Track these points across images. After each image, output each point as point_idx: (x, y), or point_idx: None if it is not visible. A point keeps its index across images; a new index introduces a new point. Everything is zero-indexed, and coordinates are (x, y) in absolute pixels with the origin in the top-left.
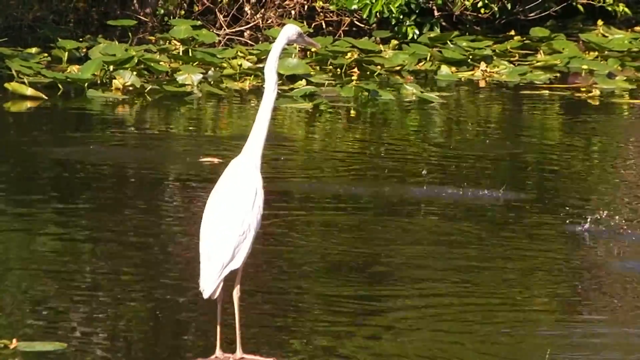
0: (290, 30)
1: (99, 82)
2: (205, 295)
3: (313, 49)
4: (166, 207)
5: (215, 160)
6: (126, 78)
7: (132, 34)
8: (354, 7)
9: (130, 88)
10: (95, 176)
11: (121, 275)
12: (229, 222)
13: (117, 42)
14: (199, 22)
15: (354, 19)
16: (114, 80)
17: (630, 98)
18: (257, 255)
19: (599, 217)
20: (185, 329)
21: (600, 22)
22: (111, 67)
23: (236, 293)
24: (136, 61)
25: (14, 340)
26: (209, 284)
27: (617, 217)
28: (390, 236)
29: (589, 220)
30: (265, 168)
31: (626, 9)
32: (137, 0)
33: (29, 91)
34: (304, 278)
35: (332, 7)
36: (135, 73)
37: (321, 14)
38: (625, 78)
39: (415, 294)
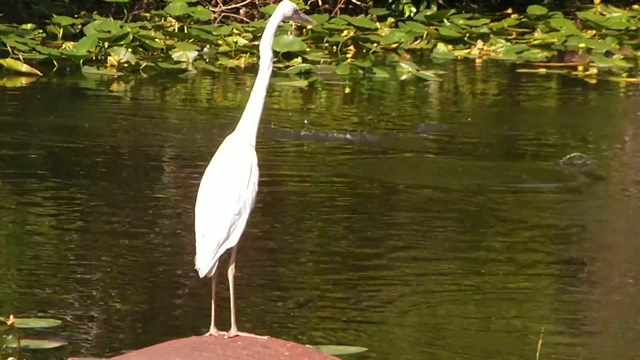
0: (286, 6)
1: (94, 58)
2: (201, 274)
3: (309, 26)
4: (160, 184)
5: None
6: (121, 55)
7: (127, 10)
8: None
9: (125, 65)
10: (90, 153)
11: (116, 252)
12: (224, 200)
13: (112, 19)
14: None
15: None
16: (109, 57)
17: (628, 77)
18: (250, 235)
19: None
20: (180, 306)
21: (597, 1)
22: (106, 44)
23: (231, 271)
24: (131, 38)
25: (11, 317)
26: (205, 262)
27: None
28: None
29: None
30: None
31: None
32: None
33: (24, 67)
34: (298, 261)
35: None
36: (130, 50)
37: None
38: (622, 56)
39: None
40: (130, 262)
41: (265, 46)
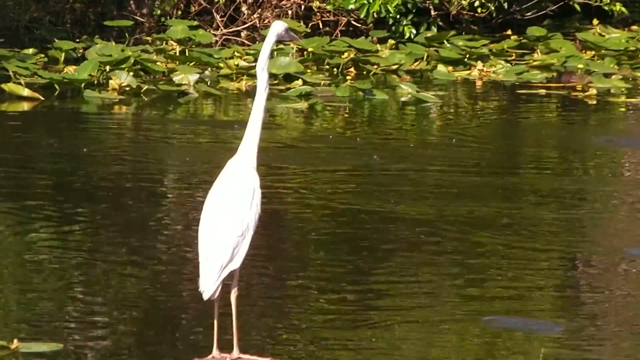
0: (279, 26)
1: (95, 82)
2: (205, 297)
3: (294, 43)
4: (163, 208)
5: None
6: (122, 78)
7: (128, 34)
8: (351, 7)
9: (127, 88)
10: (91, 177)
11: (118, 276)
12: (228, 223)
13: (113, 43)
14: (196, 23)
15: (351, 18)
16: (110, 81)
17: (627, 97)
18: (253, 257)
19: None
20: (182, 329)
21: (596, 22)
22: (107, 68)
23: (234, 293)
24: (133, 61)
25: (15, 341)
26: (209, 285)
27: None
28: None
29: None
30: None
31: (623, 8)
32: (133, 1)
33: (26, 92)
34: (301, 284)
35: (329, 7)
36: (131, 73)
37: (318, 14)
38: (621, 77)
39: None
40: (132, 285)
41: (262, 67)
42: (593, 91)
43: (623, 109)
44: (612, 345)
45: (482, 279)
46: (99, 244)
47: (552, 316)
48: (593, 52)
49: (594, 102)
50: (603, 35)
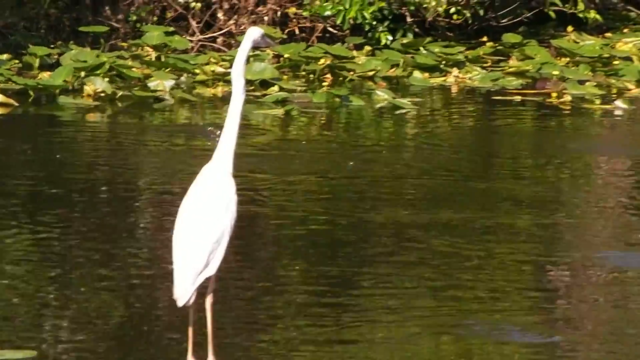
0: (255, 32)
1: (70, 88)
2: (180, 304)
3: (270, 49)
4: (138, 214)
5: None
6: (97, 84)
7: (104, 40)
8: (328, 13)
9: (102, 94)
10: (66, 183)
11: (92, 283)
12: (203, 229)
13: (89, 49)
14: (172, 29)
15: (328, 25)
16: (85, 87)
17: (601, 103)
18: (229, 264)
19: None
20: (157, 335)
21: (570, 29)
22: (82, 74)
23: (209, 300)
24: (108, 67)
25: None
26: (183, 291)
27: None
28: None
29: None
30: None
31: (597, 16)
32: (109, 7)
33: (0, 98)
34: (278, 291)
35: (305, 14)
36: (107, 79)
37: (294, 20)
38: (595, 84)
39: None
40: (107, 292)
41: (238, 73)
42: (567, 98)
43: (597, 115)
44: (587, 352)
45: (458, 285)
46: (72, 250)
47: (527, 323)
48: (568, 59)
49: (569, 108)
50: (577, 42)
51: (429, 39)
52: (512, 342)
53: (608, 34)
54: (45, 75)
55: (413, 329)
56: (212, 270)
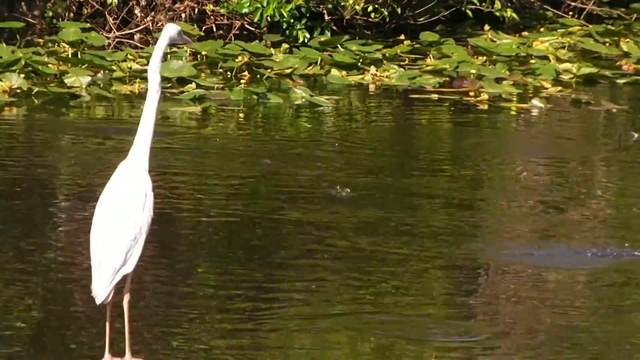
0: (171, 29)
1: None
2: (98, 301)
3: (187, 46)
4: (54, 211)
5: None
6: (13, 80)
7: (20, 36)
8: (245, 10)
9: (18, 90)
10: None
11: (8, 281)
12: (120, 227)
13: (4, 45)
14: (88, 25)
15: (245, 22)
16: (0, 83)
17: (518, 102)
18: (145, 261)
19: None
20: (74, 333)
21: (487, 27)
22: None
23: (126, 298)
24: (24, 63)
25: None
26: (101, 289)
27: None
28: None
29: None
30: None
31: (514, 15)
32: (25, 2)
33: None
34: (193, 277)
35: (222, 11)
36: (22, 75)
37: (212, 17)
38: (512, 82)
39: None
40: (23, 291)
41: (154, 70)
42: (484, 96)
43: (514, 114)
44: (505, 352)
45: (376, 284)
46: None
47: (446, 324)
48: (485, 58)
49: (486, 107)
50: (495, 41)
51: (346, 37)
52: (431, 342)
53: (525, 33)
54: None
55: (333, 334)
56: (129, 267)
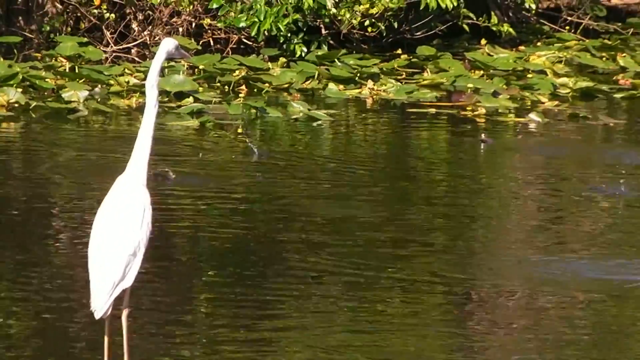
0: (169, 43)
1: None
2: (97, 316)
3: (185, 60)
4: (53, 226)
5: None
6: (11, 95)
7: (17, 50)
8: (242, 24)
9: (16, 105)
10: None
11: (6, 295)
12: (119, 241)
13: (1, 59)
14: (86, 39)
15: (242, 36)
16: None
17: (515, 116)
18: (144, 276)
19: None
20: (74, 348)
21: (484, 42)
22: None
23: (125, 312)
24: (21, 78)
25: None
26: (100, 303)
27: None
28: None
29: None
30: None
31: (511, 29)
32: (22, 17)
33: None
34: (193, 302)
35: (220, 25)
36: (20, 90)
37: (209, 31)
38: (509, 96)
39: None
40: (22, 305)
41: (151, 84)
42: (482, 110)
43: (511, 128)
44: None
45: (374, 305)
46: None
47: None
48: (482, 72)
49: (483, 121)
50: (491, 55)
51: (343, 51)
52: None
53: (522, 47)
54: None
55: (334, 355)
56: (128, 282)
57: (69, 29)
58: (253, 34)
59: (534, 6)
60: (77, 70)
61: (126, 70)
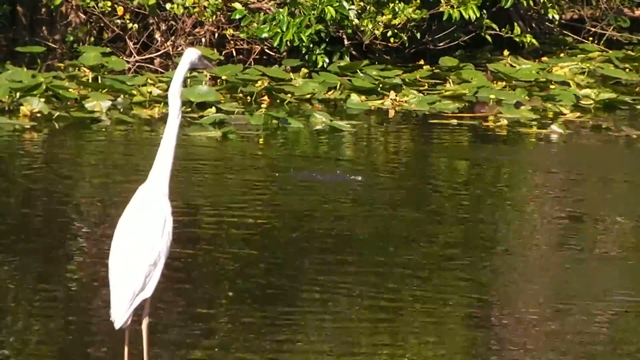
0: (192, 54)
1: (6, 108)
2: (117, 326)
3: (207, 71)
4: (75, 235)
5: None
6: (34, 105)
7: (40, 60)
8: (265, 35)
9: (39, 115)
10: (1, 206)
11: (28, 305)
12: (139, 251)
13: (25, 69)
14: (109, 49)
15: (265, 47)
16: (21, 107)
17: (538, 127)
18: (165, 285)
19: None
20: (93, 358)
21: (506, 53)
22: (18, 94)
23: (145, 322)
24: (44, 88)
25: None
26: (120, 313)
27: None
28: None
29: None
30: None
31: (533, 40)
32: (46, 27)
33: None
34: (213, 313)
35: (242, 35)
36: (43, 100)
37: (232, 41)
38: (530, 108)
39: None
40: (43, 315)
41: (174, 95)
42: (504, 121)
43: (533, 140)
44: None
45: (395, 323)
46: (6, 272)
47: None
48: (504, 83)
49: (504, 132)
50: (514, 66)
51: (366, 61)
52: None
53: (544, 59)
54: None
55: None
56: (148, 292)
57: (92, 39)
58: (275, 44)
59: (557, 17)
60: (100, 80)
61: (149, 81)
